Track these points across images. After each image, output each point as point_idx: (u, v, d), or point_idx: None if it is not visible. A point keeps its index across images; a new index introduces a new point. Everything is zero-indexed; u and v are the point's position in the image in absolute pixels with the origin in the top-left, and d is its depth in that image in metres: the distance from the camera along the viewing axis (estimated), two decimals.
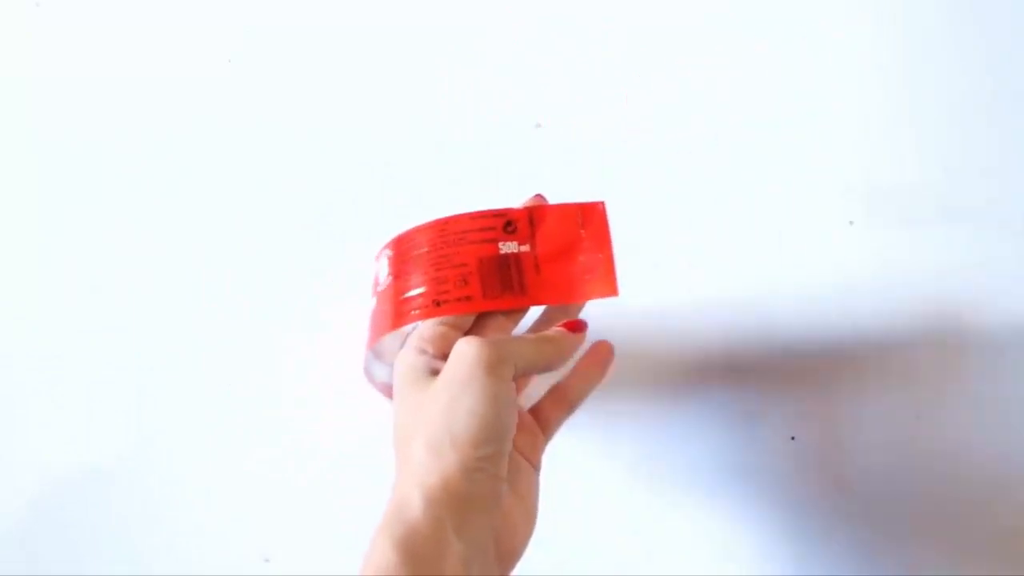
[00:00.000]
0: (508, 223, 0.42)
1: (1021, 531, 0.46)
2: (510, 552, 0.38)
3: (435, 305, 0.41)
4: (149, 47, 0.54)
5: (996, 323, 0.49)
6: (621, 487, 0.48)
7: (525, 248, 0.42)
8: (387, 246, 0.44)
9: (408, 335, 0.42)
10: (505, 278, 0.42)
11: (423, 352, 0.40)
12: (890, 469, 0.47)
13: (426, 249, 0.42)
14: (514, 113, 0.52)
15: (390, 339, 0.42)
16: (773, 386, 0.48)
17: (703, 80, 0.53)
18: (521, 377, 0.39)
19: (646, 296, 0.48)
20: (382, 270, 0.44)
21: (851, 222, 0.50)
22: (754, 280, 0.50)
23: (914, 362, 0.48)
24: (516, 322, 0.43)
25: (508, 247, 0.42)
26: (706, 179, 0.51)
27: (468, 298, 0.41)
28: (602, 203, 0.42)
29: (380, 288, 0.43)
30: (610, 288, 0.42)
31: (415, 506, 0.35)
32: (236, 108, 0.53)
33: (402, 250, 0.43)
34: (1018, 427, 0.47)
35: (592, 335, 0.43)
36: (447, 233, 0.42)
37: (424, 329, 0.41)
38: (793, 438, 0.47)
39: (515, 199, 0.43)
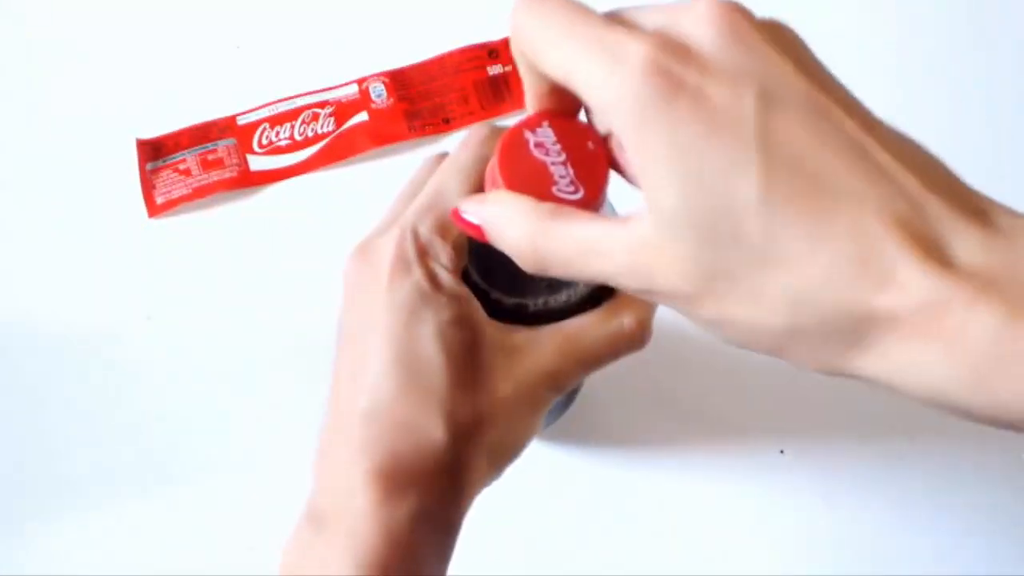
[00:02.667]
0: (491, 51, 0.52)
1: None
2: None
3: (444, 122, 0.51)
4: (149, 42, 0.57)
5: None
6: (608, 499, 0.47)
7: (508, 68, 0.51)
8: (376, 75, 0.52)
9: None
10: (497, 92, 0.51)
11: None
12: (880, 486, 0.47)
13: (430, 79, 0.52)
14: None
15: None
16: (764, 399, 0.48)
17: None
18: None
19: None
20: (375, 92, 0.51)
21: None
22: None
23: None
24: None
25: (494, 69, 0.51)
26: None
27: (471, 113, 0.51)
28: None
29: (375, 105, 0.52)
30: None
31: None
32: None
33: (402, 81, 0.52)
34: (1015, 444, 0.47)
35: None
36: (446, 66, 0.51)
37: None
38: (783, 452, 0.48)
39: None
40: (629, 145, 0.23)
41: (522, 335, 0.30)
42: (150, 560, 0.45)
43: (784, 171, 0.21)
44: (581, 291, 0.31)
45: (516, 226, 0.26)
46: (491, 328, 0.30)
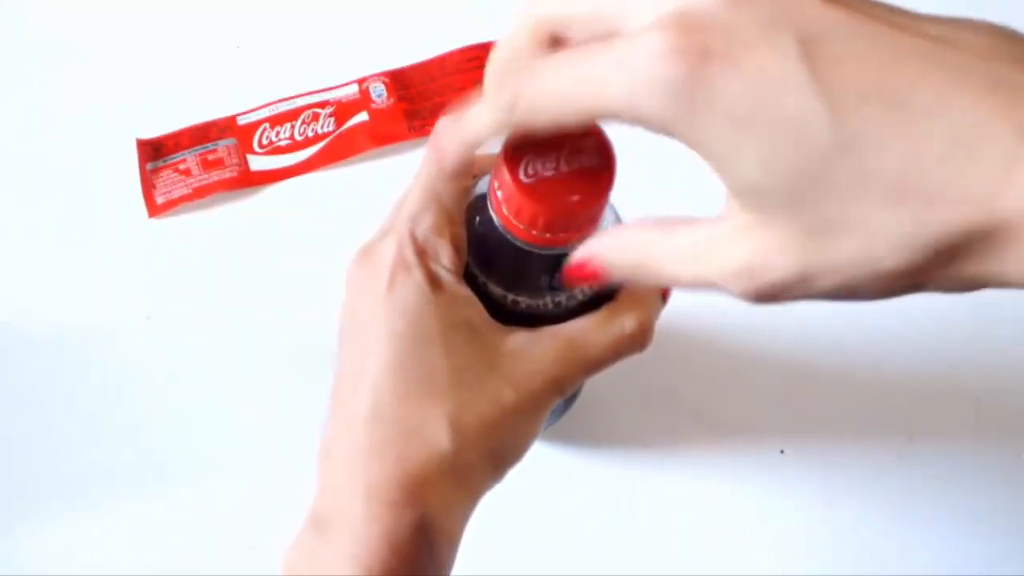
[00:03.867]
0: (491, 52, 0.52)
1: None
2: None
3: None
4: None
5: (992, 337, 0.49)
6: (608, 499, 0.47)
7: None
8: (376, 75, 0.53)
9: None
10: None
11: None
12: (880, 486, 0.47)
13: (430, 80, 0.52)
14: None
15: None
16: (764, 399, 0.48)
17: None
18: None
19: None
20: (375, 92, 0.51)
21: None
22: None
23: (908, 377, 0.48)
24: None
25: None
26: (708, 187, 0.54)
27: None
28: None
29: (375, 105, 0.52)
30: None
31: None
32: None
33: (402, 81, 0.52)
34: (1015, 443, 0.48)
35: None
36: (446, 66, 0.52)
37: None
38: (783, 451, 0.48)
39: None
40: (685, 139, 0.21)
41: (524, 338, 0.30)
42: (150, 560, 0.45)
43: (853, 105, 0.20)
44: (583, 292, 0.31)
45: (625, 246, 0.26)
46: (493, 331, 0.30)
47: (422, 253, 0.29)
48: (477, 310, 0.30)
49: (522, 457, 0.31)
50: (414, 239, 0.30)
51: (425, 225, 0.30)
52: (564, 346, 0.30)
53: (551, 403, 0.30)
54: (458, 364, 0.29)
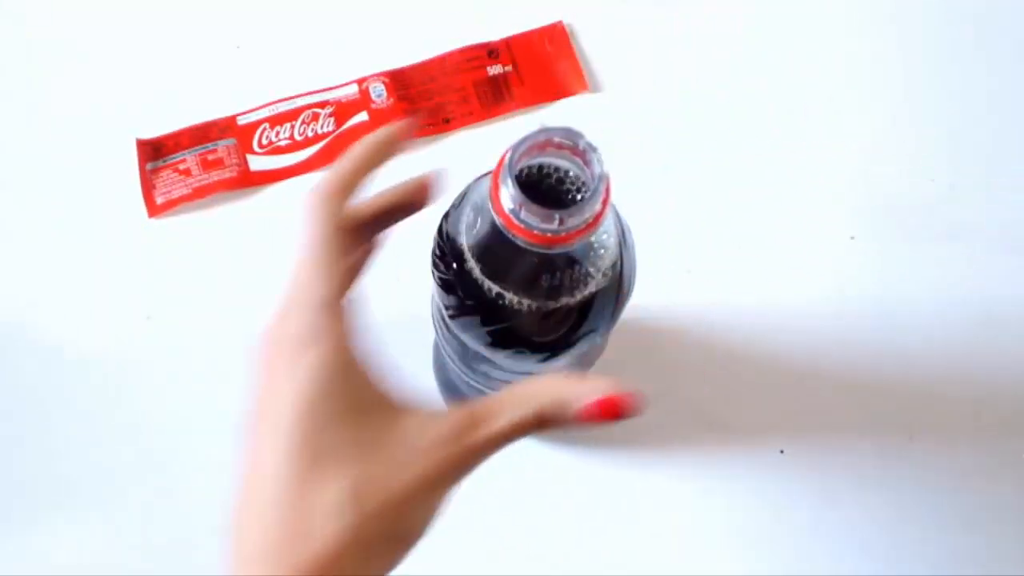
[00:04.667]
0: (490, 51, 0.52)
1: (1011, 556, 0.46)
2: None
3: (444, 122, 0.52)
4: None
5: (991, 337, 0.50)
6: (608, 499, 0.47)
7: (508, 68, 0.51)
8: (376, 75, 0.53)
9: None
10: (497, 92, 0.51)
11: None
12: (880, 486, 0.47)
13: (430, 80, 0.52)
14: None
15: None
16: (764, 398, 0.48)
17: (715, 105, 0.54)
18: None
19: (642, 302, 0.50)
20: (375, 92, 0.51)
21: (852, 237, 0.51)
22: (752, 290, 0.50)
23: (908, 377, 0.49)
24: None
25: (494, 69, 0.51)
26: (707, 189, 0.53)
27: (471, 113, 0.51)
28: (560, 22, 0.53)
29: (375, 105, 0.52)
30: (581, 85, 0.51)
31: None
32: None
33: (402, 81, 0.52)
34: (1015, 443, 0.48)
35: None
36: (446, 66, 0.52)
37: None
38: (782, 451, 0.48)
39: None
40: None
41: (426, 415, 0.29)
42: (150, 560, 0.45)
43: None
44: (581, 295, 0.31)
45: None
46: (396, 407, 0.29)
47: (323, 328, 0.29)
48: (381, 385, 0.29)
49: (426, 533, 0.29)
50: (314, 312, 0.29)
51: (319, 295, 0.29)
52: (465, 425, 0.29)
53: (449, 483, 0.29)
54: (362, 440, 0.28)
